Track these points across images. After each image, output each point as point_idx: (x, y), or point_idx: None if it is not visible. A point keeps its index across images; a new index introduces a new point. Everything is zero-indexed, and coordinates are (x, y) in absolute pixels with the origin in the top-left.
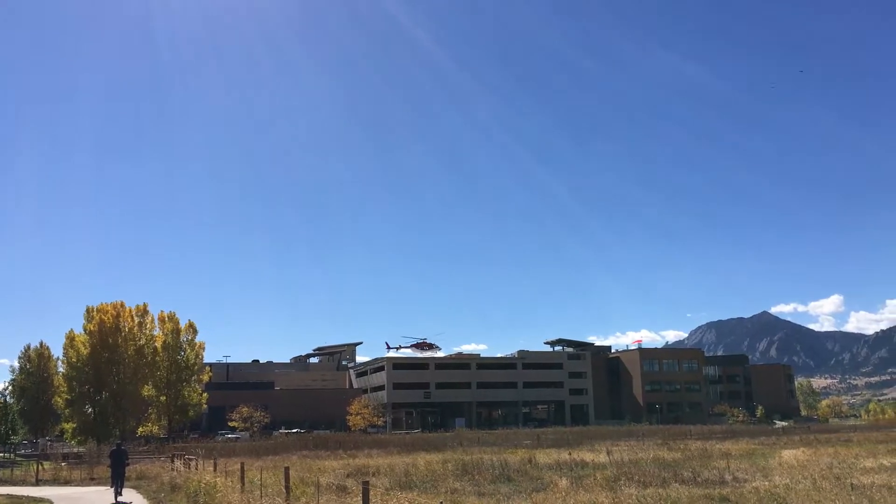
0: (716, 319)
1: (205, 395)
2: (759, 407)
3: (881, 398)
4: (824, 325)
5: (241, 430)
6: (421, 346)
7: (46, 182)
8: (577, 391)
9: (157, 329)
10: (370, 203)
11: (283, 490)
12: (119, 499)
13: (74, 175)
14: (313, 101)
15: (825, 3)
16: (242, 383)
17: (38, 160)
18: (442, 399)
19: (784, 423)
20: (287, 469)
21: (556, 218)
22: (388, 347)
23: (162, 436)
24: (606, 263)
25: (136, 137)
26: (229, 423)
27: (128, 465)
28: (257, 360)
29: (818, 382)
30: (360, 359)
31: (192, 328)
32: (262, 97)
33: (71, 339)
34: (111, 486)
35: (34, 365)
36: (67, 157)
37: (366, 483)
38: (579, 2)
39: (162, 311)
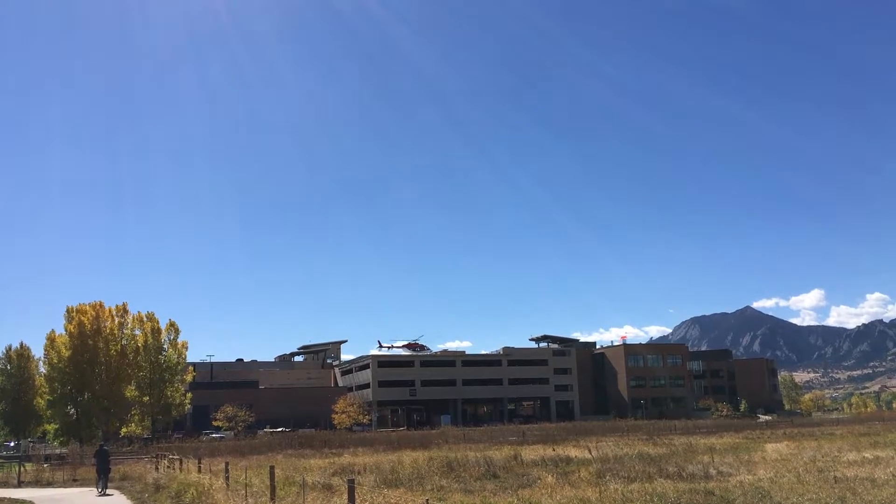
0: (699, 315)
1: (188, 394)
2: (743, 401)
3: (863, 391)
4: (805, 320)
5: (226, 430)
6: (412, 346)
7: (23, 180)
8: (563, 387)
9: (138, 329)
10: (353, 202)
11: (269, 489)
12: (105, 490)
13: (51, 173)
14: (293, 101)
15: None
16: (226, 382)
17: (13, 158)
18: (427, 396)
19: (768, 417)
20: (272, 468)
21: (538, 216)
22: (380, 346)
23: (145, 436)
24: (589, 259)
25: (115, 136)
26: (214, 423)
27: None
28: (241, 359)
29: (801, 376)
30: (344, 357)
31: (173, 328)
32: (243, 97)
33: (52, 339)
34: (97, 485)
35: (14, 366)
36: (44, 155)
37: (351, 481)
38: (563, 8)
39: (139, 312)
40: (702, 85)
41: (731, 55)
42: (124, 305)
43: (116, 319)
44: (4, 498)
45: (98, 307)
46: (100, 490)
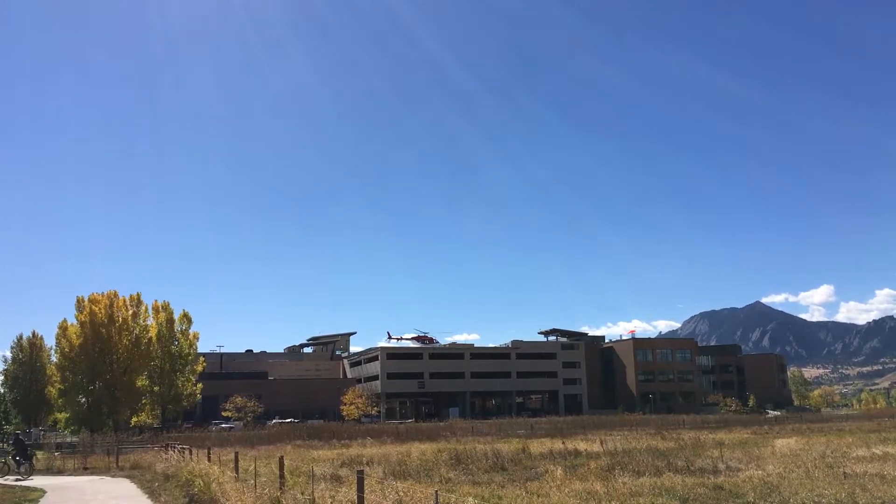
0: (709, 309)
1: (199, 385)
2: (752, 396)
3: (873, 388)
4: (815, 315)
5: (235, 420)
6: (422, 339)
7: (37, 171)
8: (571, 381)
9: (151, 319)
10: (364, 193)
11: (278, 479)
12: (30, 476)
13: (67, 163)
14: (307, 91)
15: None
16: (236, 373)
17: (29, 149)
18: (436, 389)
19: (777, 413)
20: (281, 458)
21: (549, 209)
22: (390, 337)
23: (155, 426)
24: (599, 254)
25: (129, 126)
26: (223, 413)
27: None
28: (251, 350)
29: (810, 372)
30: (353, 349)
31: (186, 318)
32: (254, 88)
33: (64, 328)
34: (13, 471)
35: (26, 354)
36: (59, 144)
37: (361, 472)
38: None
39: (156, 301)
40: (716, 74)
41: (750, 43)
42: (138, 296)
43: (130, 309)
44: (17, 486)
45: (112, 297)
46: (23, 476)
